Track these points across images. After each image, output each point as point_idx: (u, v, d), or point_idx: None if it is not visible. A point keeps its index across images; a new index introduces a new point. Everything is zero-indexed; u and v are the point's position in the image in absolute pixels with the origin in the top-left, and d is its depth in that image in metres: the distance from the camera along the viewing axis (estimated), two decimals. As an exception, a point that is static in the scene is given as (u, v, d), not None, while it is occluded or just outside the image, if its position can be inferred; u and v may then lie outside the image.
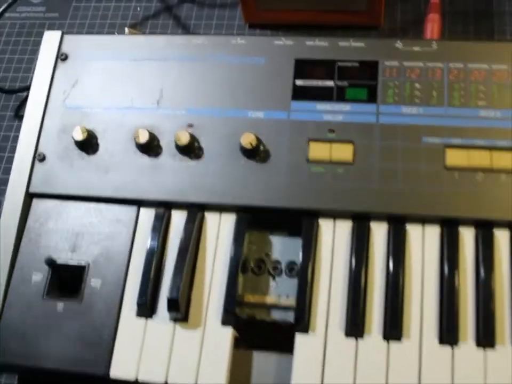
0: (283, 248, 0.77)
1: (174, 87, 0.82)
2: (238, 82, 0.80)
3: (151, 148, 0.79)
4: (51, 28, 1.07)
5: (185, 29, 1.02)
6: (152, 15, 1.04)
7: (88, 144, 0.80)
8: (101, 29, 1.04)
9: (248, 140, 0.75)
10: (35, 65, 0.86)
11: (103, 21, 1.05)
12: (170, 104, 0.81)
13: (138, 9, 1.05)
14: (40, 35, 0.93)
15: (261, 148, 0.76)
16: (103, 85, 0.83)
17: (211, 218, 0.77)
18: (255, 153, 0.76)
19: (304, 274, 0.71)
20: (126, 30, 0.87)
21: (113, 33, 1.03)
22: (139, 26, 1.03)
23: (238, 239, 0.74)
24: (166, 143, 0.79)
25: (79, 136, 0.79)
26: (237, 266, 0.73)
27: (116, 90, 0.83)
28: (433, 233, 0.73)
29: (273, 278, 0.76)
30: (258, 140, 0.76)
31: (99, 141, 0.81)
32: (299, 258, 0.72)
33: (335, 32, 0.97)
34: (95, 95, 0.83)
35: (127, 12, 1.05)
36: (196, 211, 0.76)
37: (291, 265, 0.76)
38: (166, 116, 0.80)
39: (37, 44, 1.02)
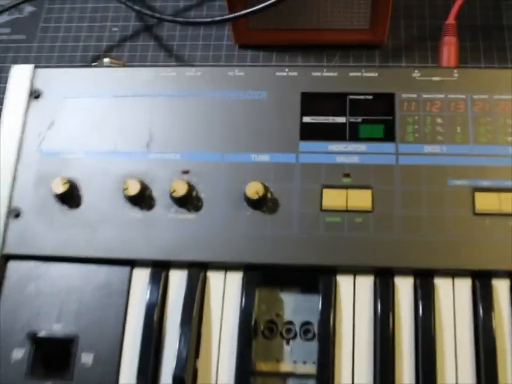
0: (296, 307, 0.69)
1: (164, 127, 0.72)
2: (237, 121, 0.71)
3: (142, 199, 0.69)
4: (18, 51, 0.95)
5: (168, 51, 0.92)
6: (130, 35, 0.94)
7: (70, 197, 0.70)
8: (74, 52, 0.94)
9: (254, 189, 0.66)
10: (2, 103, 0.76)
11: (76, 43, 0.94)
12: (162, 148, 0.71)
13: (115, 29, 0.94)
14: (5, 60, 0.82)
15: (268, 196, 0.68)
16: (83, 126, 0.74)
17: (215, 278, 0.68)
18: (262, 203, 0.68)
19: (324, 337, 0.63)
20: (106, 60, 0.77)
21: (88, 58, 0.92)
22: (116, 48, 0.93)
23: (248, 301, 0.66)
24: (160, 193, 0.70)
25: (60, 189, 0.69)
26: (249, 335, 0.64)
27: (98, 132, 0.73)
28: (464, 287, 0.66)
29: (287, 342, 0.68)
30: (266, 188, 0.67)
31: (82, 193, 0.71)
32: (315, 318, 0.65)
33: (334, 52, 0.88)
34: (74, 138, 0.73)
35: (102, 32, 0.95)
36: (198, 271, 0.68)
37: (306, 327, 0.68)
38: (157, 162, 0.71)
39: (1, 71, 0.91)
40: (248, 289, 0.66)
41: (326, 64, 0.82)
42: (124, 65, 0.79)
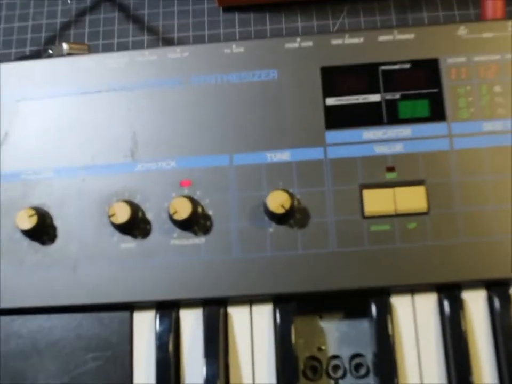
0: (341, 337, 0.56)
1: (150, 128, 0.57)
2: (244, 111, 0.56)
3: (135, 225, 0.54)
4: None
5: (137, 22, 0.75)
6: (89, 7, 0.76)
7: (41, 231, 0.55)
8: (22, 34, 0.76)
9: (278, 201, 0.52)
10: None
11: (24, 23, 0.76)
12: (151, 155, 0.56)
13: (69, 1, 0.77)
14: None
15: (295, 205, 0.53)
16: (46, 136, 0.58)
17: (238, 314, 0.55)
18: (289, 217, 0.53)
19: (385, 372, 0.51)
20: (65, 46, 0.60)
21: (40, 40, 0.75)
22: (74, 26, 0.75)
23: (285, 339, 0.53)
24: (156, 214, 0.55)
25: (26, 224, 0.54)
26: (292, 380, 0.51)
27: (66, 142, 0.57)
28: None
29: (336, 382, 0.55)
30: (291, 197, 0.52)
31: (56, 223, 0.56)
32: (367, 349, 0.54)
33: (339, 6, 0.73)
34: (37, 153, 0.57)
35: (54, 7, 0.77)
36: (216, 308, 0.54)
37: (357, 361, 0.55)
38: (147, 174, 0.56)
39: None
40: (283, 324, 0.53)
41: (349, 29, 0.66)
42: (88, 51, 0.62)
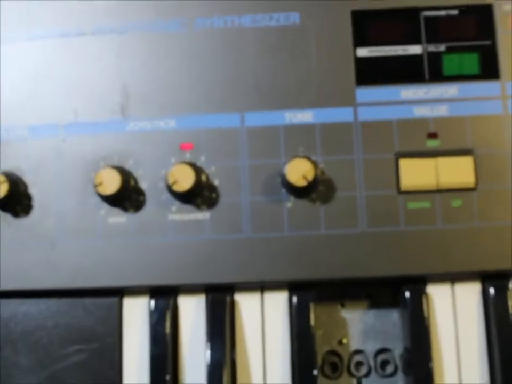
0: (366, 329, 0.48)
1: (145, 80, 0.47)
2: (259, 62, 0.47)
3: (126, 196, 0.46)
4: None
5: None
6: None
7: (14, 200, 0.46)
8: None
9: (299, 171, 0.43)
10: None
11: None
12: (145, 112, 0.47)
13: None
14: None
15: (318, 175, 0.44)
16: (21, 86, 0.48)
17: (247, 302, 0.47)
18: (311, 189, 0.45)
19: (421, 371, 0.43)
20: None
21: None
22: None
23: (303, 330, 0.45)
24: (151, 183, 0.46)
25: (-5, 192, 0.44)
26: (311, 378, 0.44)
27: (45, 94, 0.48)
28: None
29: (358, 381, 0.47)
30: (315, 166, 0.44)
31: (31, 191, 0.46)
32: (395, 343, 0.47)
33: None
34: (8, 107, 0.48)
35: None
36: (222, 295, 0.45)
37: (383, 357, 0.48)
38: (140, 134, 0.47)
39: None
40: (301, 315, 0.45)
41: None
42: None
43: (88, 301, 0.46)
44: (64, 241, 0.46)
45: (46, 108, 0.47)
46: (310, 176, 0.43)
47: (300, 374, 0.44)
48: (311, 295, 0.45)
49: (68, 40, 0.48)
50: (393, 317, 0.48)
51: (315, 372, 0.44)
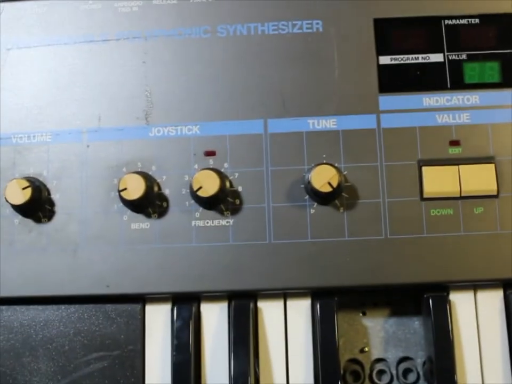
0: (388, 337, 0.48)
1: (170, 87, 0.47)
2: (282, 69, 0.47)
3: (149, 202, 0.45)
4: None
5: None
6: None
7: (36, 206, 0.46)
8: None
9: (325, 178, 0.43)
10: None
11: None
12: (169, 118, 0.47)
13: None
14: None
15: (342, 184, 0.44)
16: (44, 92, 0.48)
17: (270, 309, 0.46)
18: (334, 196, 0.45)
19: (444, 380, 0.43)
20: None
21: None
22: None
23: (327, 338, 0.44)
24: (174, 189, 0.46)
25: (18, 198, 0.45)
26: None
27: (68, 99, 0.48)
28: None
29: (381, 390, 0.47)
30: (339, 173, 0.44)
31: (53, 196, 0.46)
32: (417, 352, 0.47)
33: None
34: (32, 113, 0.48)
35: None
36: (245, 302, 0.45)
37: (405, 365, 0.47)
38: (164, 140, 0.47)
39: None
40: (325, 322, 0.45)
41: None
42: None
43: (110, 307, 0.46)
44: (86, 247, 0.46)
45: (69, 114, 0.47)
46: (335, 183, 0.43)
47: (324, 382, 0.44)
48: (334, 303, 0.45)
49: (91, 46, 0.48)
50: (415, 325, 0.48)
51: (339, 383, 0.44)
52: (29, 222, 0.46)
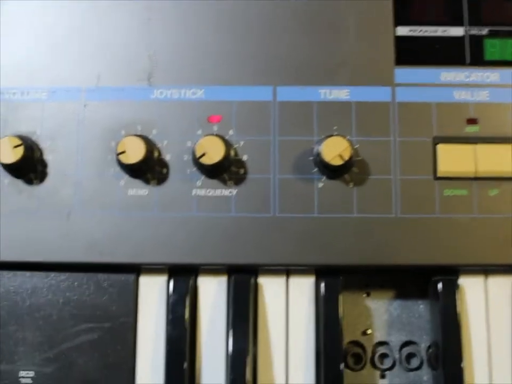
0: (391, 320, 0.46)
1: (175, 47, 0.45)
2: (294, 34, 0.45)
3: (149, 167, 0.43)
4: None
5: None
6: None
7: (28, 166, 0.43)
8: None
9: (336, 150, 0.41)
10: None
11: None
12: (173, 80, 0.44)
13: None
14: None
15: (353, 157, 0.42)
16: (40, 47, 0.45)
17: (271, 286, 0.44)
18: (345, 170, 0.43)
19: (450, 366, 0.41)
20: None
21: None
22: None
23: (331, 318, 0.42)
24: (176, 155, 0.44)
25: (9, 156, 0.42)
26: (337, 371, 0.41)
27: (65, 56, 0.45)
28: None
29: (382, 374, 0.45)
30: (351, 146, 0.42)
31: (46, 157, 0.44)
32: (421, 336, 0.46)
33: None
34: (26, 68, 0.45)
35: None
36: (246, 277, 0.43)
37: (408, 350, 0.46)
38: (166, 103, 0.44)
39: None
40: (329, 302, 0.43)
41: None
42: None
43: (102, 277, 0.44)
44: (80, 212, 0.43)
45: (68, 71, 0.44)
46: (347, 156, 0.41)
47: (325, 364, 0.42)
48: (340, 282, 0.43)
49: (95, 2, 0.45)
50: (420, 309, 0.46)
51: (341, 365, 0.42)
52: (20, 183, 0.44)
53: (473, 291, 0.44)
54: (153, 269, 0.44)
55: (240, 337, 0.42)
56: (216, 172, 0.43)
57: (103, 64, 0.45)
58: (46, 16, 0.45)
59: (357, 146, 0.43)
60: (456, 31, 0.45)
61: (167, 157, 0.43)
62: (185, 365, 0.42)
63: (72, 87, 0.44)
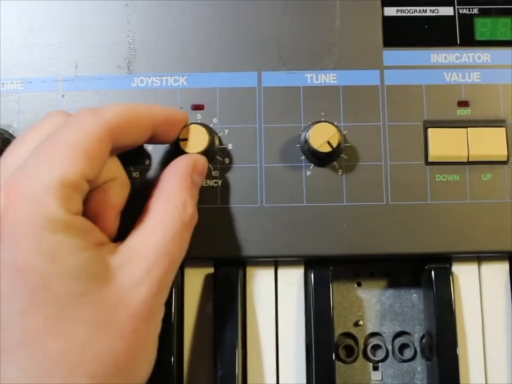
0: (384, 310, 0.45)
1: (155, 33, 0.43)
2: (278, 17, 0.43)
3: (133, 156, 0.41)
4: None
5: None
6: None
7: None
8: None
9: (323, 136, 0.40)
10: None
11: None
12: (154, 68, 0.43)
13: None
14: None
15: (342, 144, 0.41)
16: (13, 35, 0.43)
17: (259, 277, 0.43)
18: (333, 157, 0.41)
19: (445, 357, 0.40)
20: None
21: None
22: None
23: (322, 310, 0.41)
24: (157, 145, 0.42)
25: (-16, 149, 0.40)
26: (330, 362, 0.40)
27: (42, 43, 0.43)
28: None
29: (375, 366, 0.44)
30: (340, 132, 0.40)
31: (24, 150, 0.42)
32: (414, 326, 0.45)
33: None
34: (3, 57, 0.43)
35: None
36: (233, 270, 0.42)
37: (402, 340, 0.44)
38: (147, 92, 0.43)
39: None
40: (319, 294, 0.42)
41: None
42: None
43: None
44: (60, 206, 0.41)
45: (43, 60, 0.43)
46: (335, 142, 0.40)
47: (316, 357, 0.41)
48: (330, 273, 0.42)
49: (69, -14, 0.43)
50: (412, 298, 0.45)
51: (333, 358, 0.40)
52: (-4, 177, 0.42)
53: (466, 278, 0.43)
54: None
55: (228, 332, 0.40)
56: (200, 161, 0.41)
57: (81, 52, 0.43)
58: (21, 1, 0.44)
59: (345, 132, 0.42)
60: (446, 11, 0.43)
61: (149, 147, 0.42)
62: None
63: (49, 77, 0.43)
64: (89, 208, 0.35)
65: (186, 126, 0.40)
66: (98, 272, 0.31)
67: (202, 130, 0.39)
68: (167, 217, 0.34)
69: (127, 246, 0.33)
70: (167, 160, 0.41)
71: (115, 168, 0.37)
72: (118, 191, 0.36)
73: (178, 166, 0.37)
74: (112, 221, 0.36)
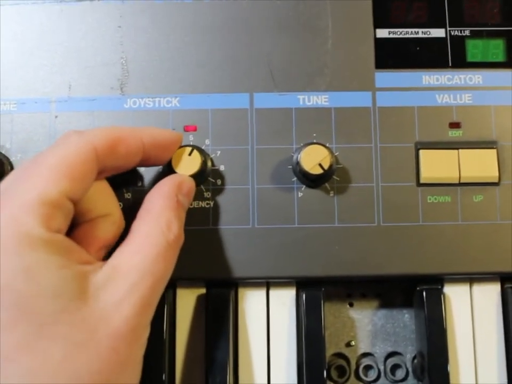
0: (376, 331, 0.45)
1: (148, 54, 0.43)
2: (270, 39, 0.43)
3: (122, 180, 0.41)
4: None
5: None
6: None
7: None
8: None
9: (315, 158, 0.40)
10: None
11: None
12: (146, 89, 0.43)
13: None
14: None
15: (333, 166, 0.41)
16: (7, 57, 0.44)
17: (251, 298, 0.43)
18: (324, 179, 0.41)
19: (436, 377, 0.41)
20: None
21: None
22: None
23: (314, 331, 0.41)
24: (149, 168, 0.42)
25: (-23, 171, 0.40)
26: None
27: (34, 65, 0.43)
28: None
29: (367, 387, 0.45)
30: (332, 154, 0.40)
31: (17, 171, 0.42)
32: (406, 347, 0.45)
33: None
34: (-6, 78, 0.43)
35: None
36: (225, 292, 0.42)
37: (394, 361, 0.45)
38: (140, 113, 0.43)
39: None
40: (311, 315, 0.42)
41: None
42: None
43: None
44: (53, 227, 0.42)
45: (37, 81, 0.43)
46: (327, 164, 0.40)
47: (308, 378, 0.41)
48: (321, 294, 0.42)
49: (62, 6, 0.44)
50: (404, 318, 0.45)
51: (325, 379, 0.40)
52: (-11, 198, 0.42)
53: (458, 300, 0.43)
54: (129, 284, 0.42)
55: (220, 352, 0.40)
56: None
57: (74, 73, 0.43)
58: (14, 23, 0.44)
59: (337, 153, 0.42)
60: (438, 33, 0.44)
61: (141, 169, 0.42)
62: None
63: (42, 98, 0.43)
64: (73, 237, 0.34)
65: (181, 147, 0.40)
66: (79, 290, 0.31)
67: (195, 152, 0.40)
68: (151, 237, 0.34)
69: (110, 265, 0.33)
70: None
71: (110, 206, 0.37)
72: (107, 227, 0.36)
73: (163, 187, 0.37)
74: (93, 254, 0.35)
